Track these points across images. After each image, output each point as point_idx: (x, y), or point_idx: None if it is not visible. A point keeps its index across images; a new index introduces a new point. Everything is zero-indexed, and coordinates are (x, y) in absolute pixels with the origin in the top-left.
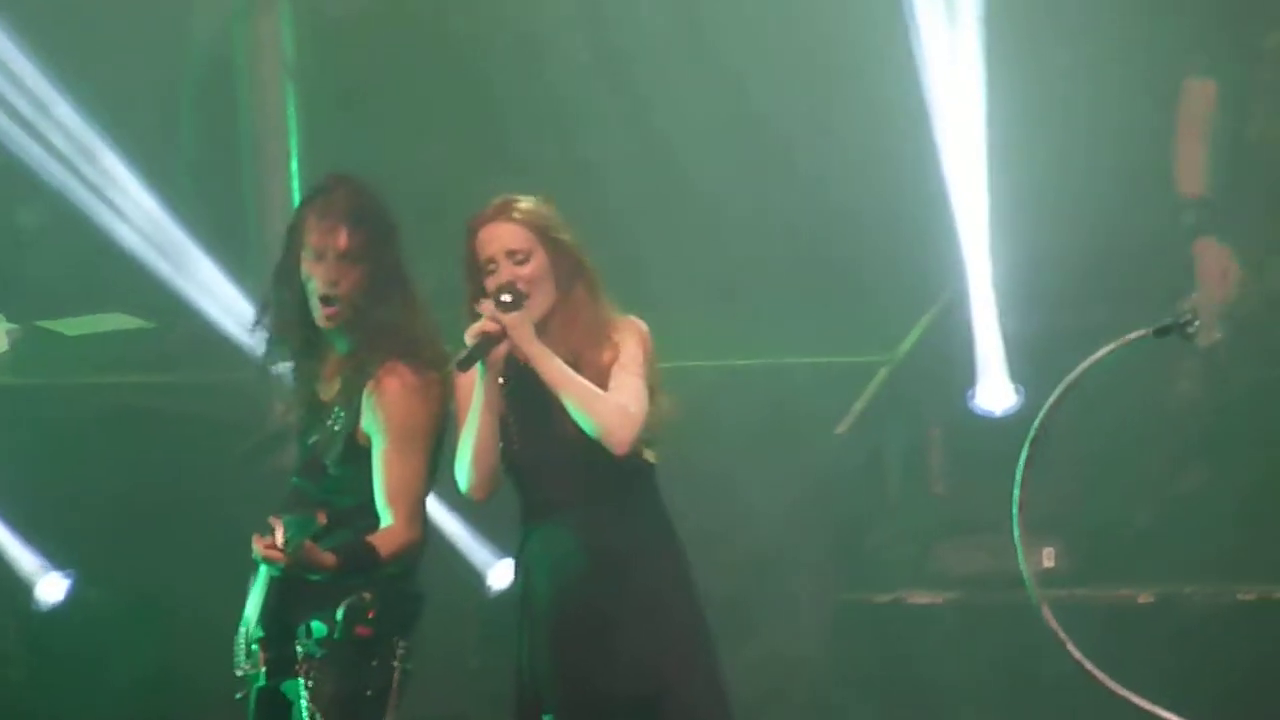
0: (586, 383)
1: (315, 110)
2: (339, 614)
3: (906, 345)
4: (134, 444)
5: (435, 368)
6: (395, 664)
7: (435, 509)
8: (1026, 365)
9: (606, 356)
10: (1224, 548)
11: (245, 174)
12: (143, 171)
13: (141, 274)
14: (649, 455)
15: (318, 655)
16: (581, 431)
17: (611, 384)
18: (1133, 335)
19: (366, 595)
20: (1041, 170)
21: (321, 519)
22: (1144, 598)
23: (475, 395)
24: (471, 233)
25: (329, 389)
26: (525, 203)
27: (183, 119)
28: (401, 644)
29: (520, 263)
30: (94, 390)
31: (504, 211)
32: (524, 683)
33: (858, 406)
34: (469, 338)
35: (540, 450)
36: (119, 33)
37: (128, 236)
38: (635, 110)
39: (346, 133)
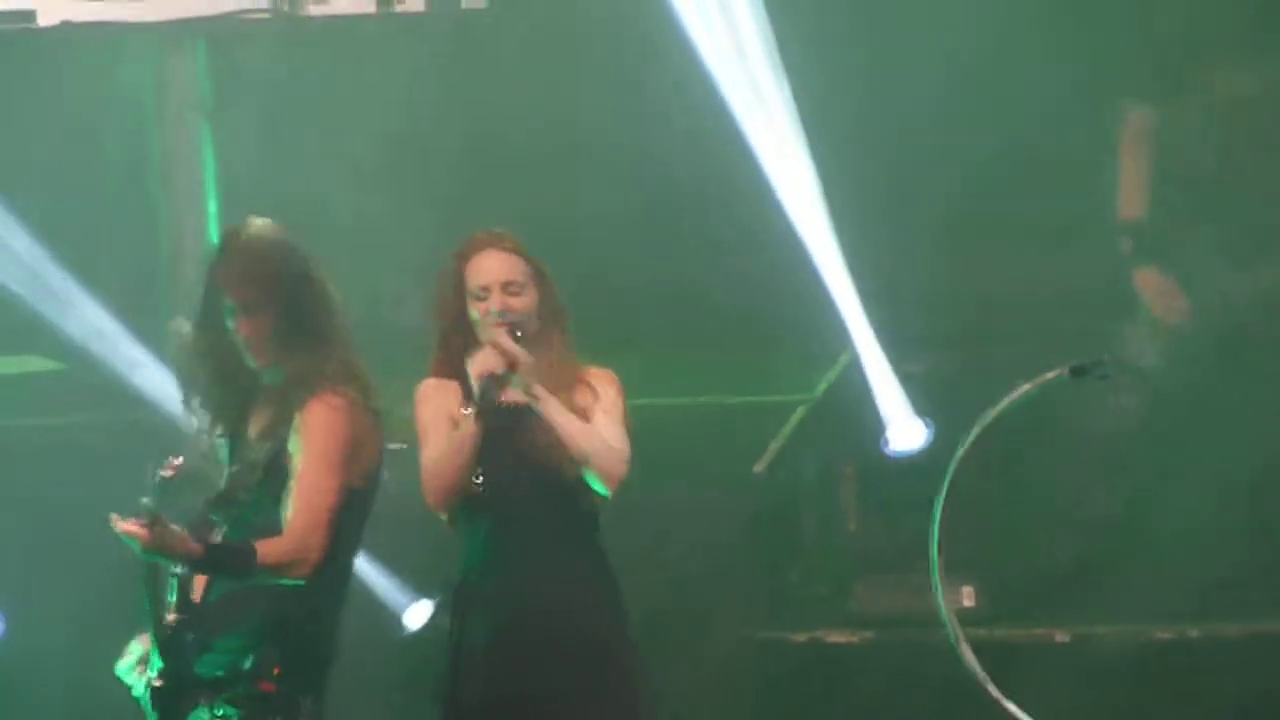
0: (584, 423)
1: (231, 150)
2: (245, 665)
3: (824, 384)
4: (50, 485)
5: (365, 400)
6: (298, 719)
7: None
8: (940, 405)
9: (579, 400)
10: (1141, 587)
11: (160, 214)
12: (46, 214)
13: (50, 318)
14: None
15: (219, 709)
16: (544, 472)
17: (598, 428)
18: (1050, 375)
19: (274, 651)
20: (945, 208)
21: (170, 471)
22: (1061, 636)
23: (465, 422)
24: (462, 259)
25: (255, 426)
26: (515, 240)
27: (97, 158)
28: (307, 700)
29: (514, 294)
30: (6, 432)
31: (500, 241)
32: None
33: (775, 445)
34: (476, 373)
35: (503, 485)
36: (30, 75)
37: (20, 279)
38: (550, 147)
39: (262, 172)
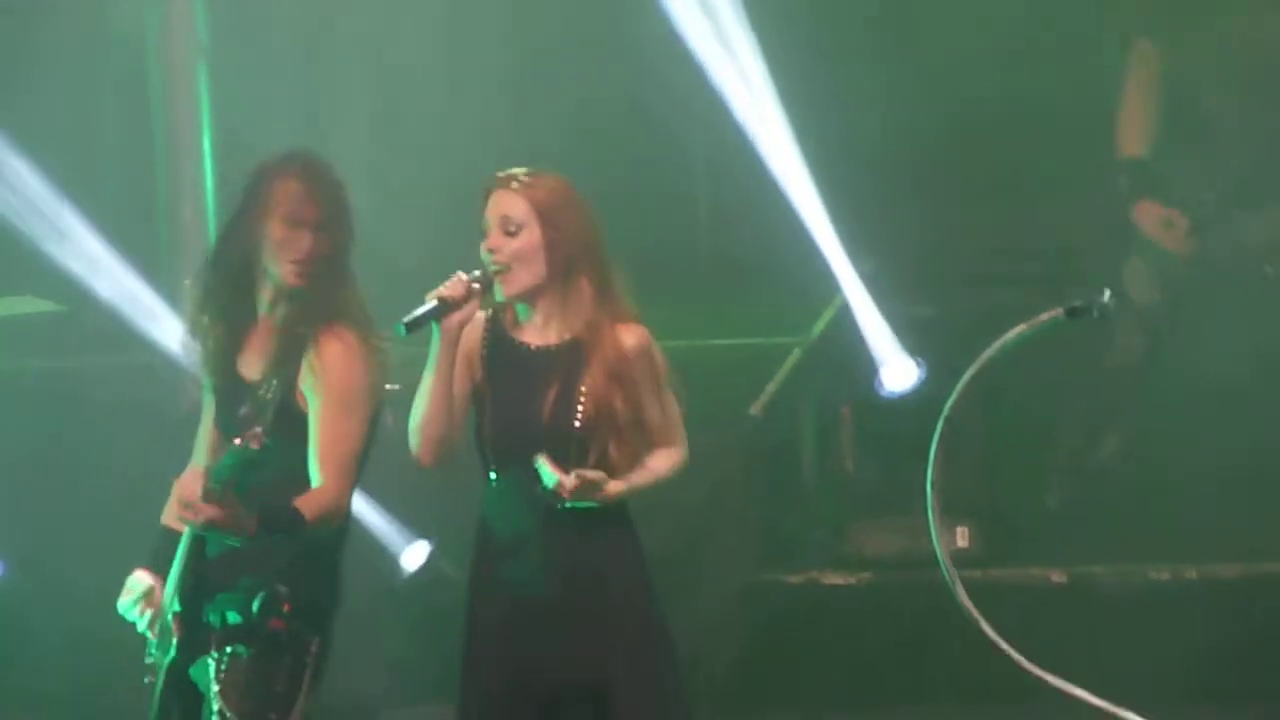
0: (650, 473)
1: (228, 92)
2: (254, 605)
3: (820, 326)
4: (48, 429)
5: (374, 339)
6: (307, 661)
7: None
8: (943, 347)
9: (613, 354)
10: (1137, 527)
11: (158, 156)
12: (44, 152)
13: (47, 258)
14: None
15: (229, 660)
16: (557, 426)
17: (654, 413)
18: (1044, 316)
19: (283, 588)
20: (944, 149)
21: (255, 442)
22: (1057, 577)
23: (429, 359)
24: (484, 196)
25: (253, 362)
26: (537, 178)
27: (95, 98)
28: (315, 642)
29: (510, 234)
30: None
31: (508, 181)
32: (488, 671)
33: (771, 388)
34: (429, 298)
35: (513, 438)
36: (29, 15)
37: (30, 220)
38: (562, 96)
39: (259, 115)
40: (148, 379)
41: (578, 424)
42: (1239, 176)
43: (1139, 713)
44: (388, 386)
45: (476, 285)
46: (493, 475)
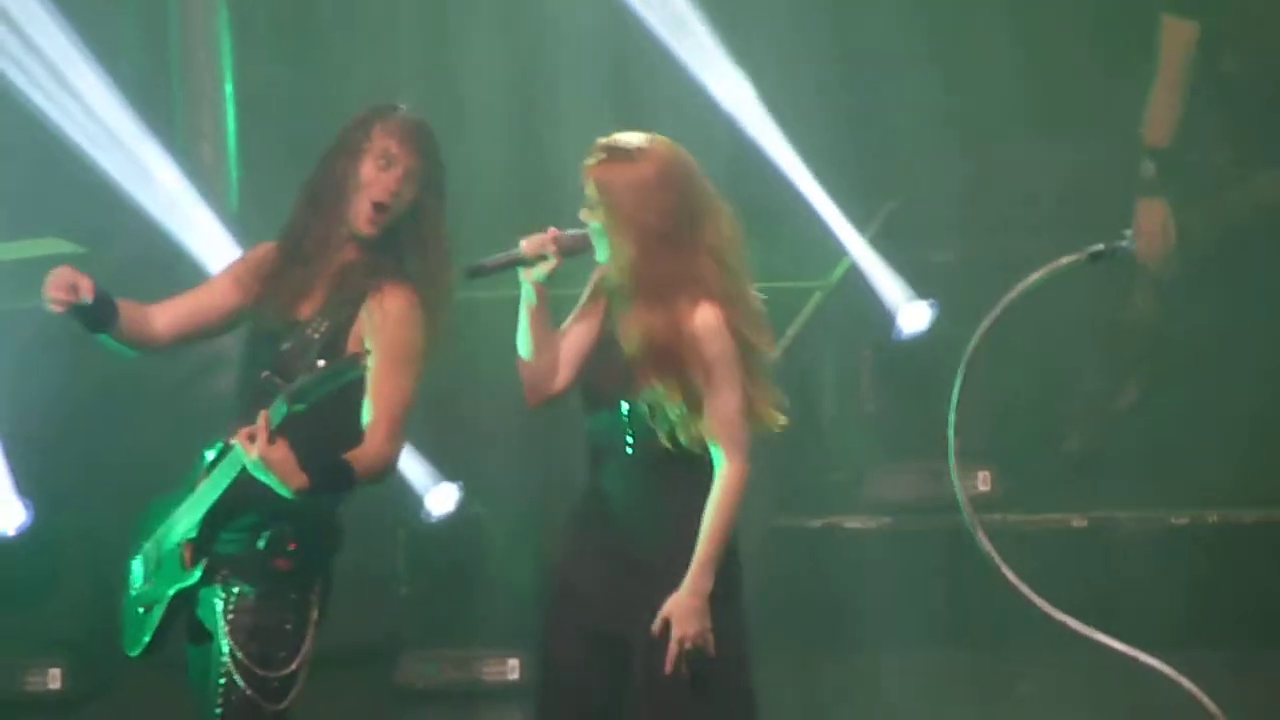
0: (724, 519)
1: (249, 37)
2: (260, 543)
3: (840, 270)
4: (70, 370)
5: (437, 298)
6: (313, 599)
7: None
8: (965, 291)
9: (674, 335)
10: (1158, 472)
11: (176, 101)
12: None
13: (77, 198)
14: None
15: (235, 600)
16: (614, 379)
17: (714, 402)
18: (1065, 260)
19: (288, 527)
20: (968, 97)
21: (319, 364)
22: (1078, 522)
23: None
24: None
25: (309, 305)
26: (616, 160)
27: (115, 46)
28: (319, 581)
29: (591, 209)
30: (27, 315)
31: (596, 156)
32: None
33: (791, 331)
34: (526, 248)
35: (588, 390)
36: None
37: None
38: (583, 49)
39: (281, 59)
40: None
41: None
42: (1258, 137)
43: (1159, 658)
44: None
45: (553, 246)
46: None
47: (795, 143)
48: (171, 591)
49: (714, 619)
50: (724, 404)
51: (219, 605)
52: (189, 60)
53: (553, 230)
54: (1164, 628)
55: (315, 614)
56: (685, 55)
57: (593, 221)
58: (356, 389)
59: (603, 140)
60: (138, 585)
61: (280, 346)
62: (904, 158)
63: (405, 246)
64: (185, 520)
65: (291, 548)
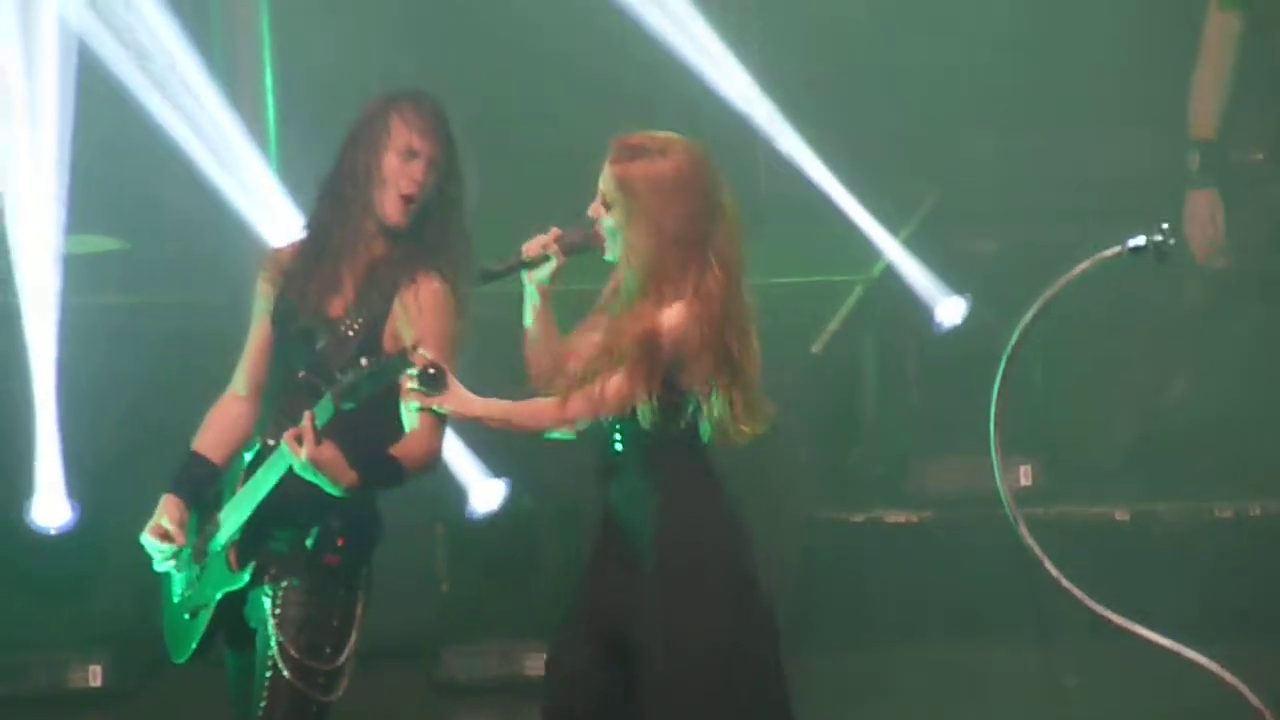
0: (509, 414)
1: (289, 19)
2: (309, 542)
3: (882, 263)
4: (114, 366)
5: (466, 285)
6: (359, 592)
7: None
8: (999, 282)
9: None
10: (1202, 464)
11: (216, 83)
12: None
13: (120, 194)
14: None
15: (283, 593)
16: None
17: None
18: (1108, 252)
19: (335, 523)
20: (1008, 85)
21: (364, 362)
22: (1121, 515)
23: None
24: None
25: (341, 301)
26: (636, 158)
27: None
28: (364, 571)
29: (606, 206)
30: (73, 310)
31: (616, 152)
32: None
33: (832, 325)
34: (525, 251)
35: None
36: None
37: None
38: (616, 37)
39: (321, 42)
40: (209, 315)
41: None
42: None
43: (1204, 653)
44: None
45: (556, 246)
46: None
47: (835, 134)
48: (219, 595)
49: (684, 610)
50: (612, 382)
51: (267, 602)
52: (230, 46)
53: (555, 230)
54: (1209, 622)
55: (360, 609)
56: (717, 43)
57: (606, 220)
58: (395, 383)
59: (623, 137)
60: (180, 592)
61: (315, 345)
62: (946, 147)
63: (430, 235)
64: (230, 523)
65: (340, 544)
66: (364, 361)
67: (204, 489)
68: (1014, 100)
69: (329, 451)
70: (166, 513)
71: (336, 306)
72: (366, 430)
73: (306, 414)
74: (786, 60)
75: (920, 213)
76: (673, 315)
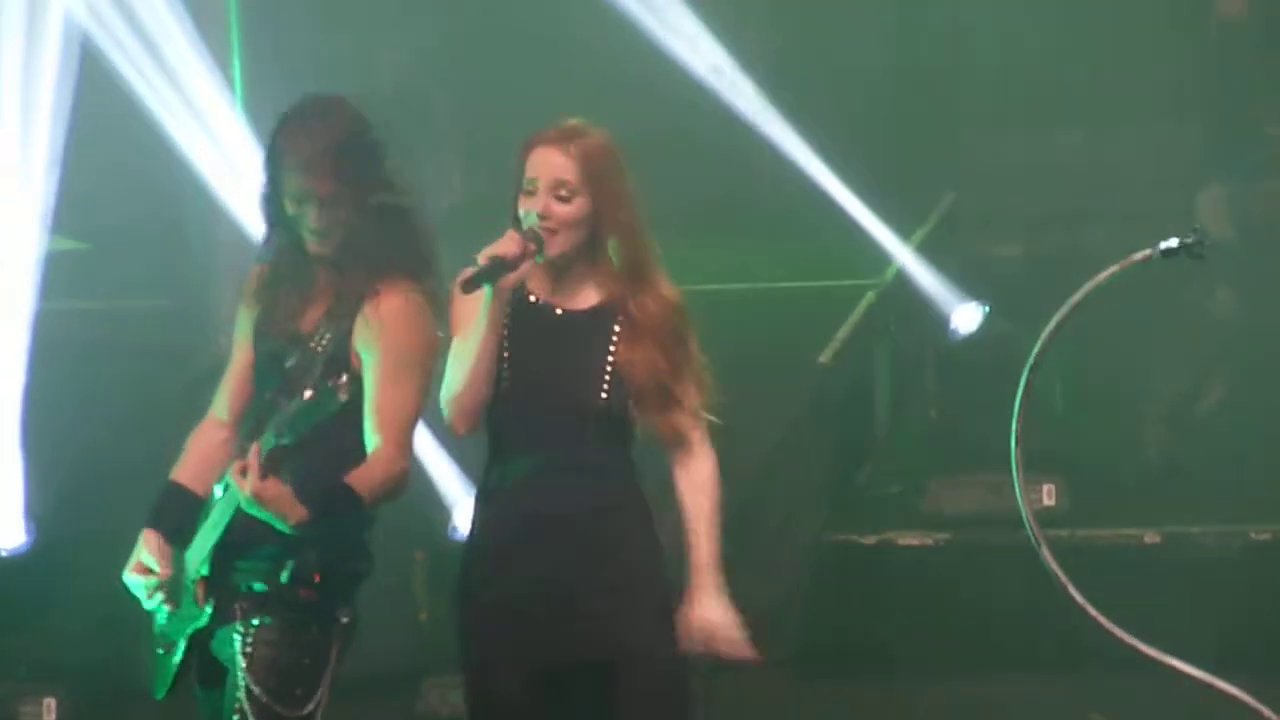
0: (712, 529)
1: (258, 12)
2: (284, 576)
3: (895, 267)
4: (75, 373)
5: (435, 290)
6: (335, 632)
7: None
8: (1020, 288)
9: (653, 307)
10: (1237, 484)
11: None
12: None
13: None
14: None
15: (254, 633)
16: (579, 385)
17: (685, 387)
18: (1137, 256)
19: (312, 556)
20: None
21: (307, 394)
22: (1150, 538)
23: (478, 319)
24: (526, 148)
25: (312, 314)
26: (587, 138)
27: None
28: (345, 612)
29: (562, 199)
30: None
31: (561, 140)
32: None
33: (842, 334)
34: (481, 258)
35: (532, 395)
36: None
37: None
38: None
39: (289, 35)
40: (174, 325)
41: (604, 395)
42: None
43: (1238, 684)
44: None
45: (531, 245)
46: (505, 451)
47: (851, 136)
48: (188, 631)
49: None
50: (699, 384)
51: (237, 640)
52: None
53: (511, 231)
54: (1243, 652)
55: (337, 649)
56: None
57: (564, 209)
58: (356, 405)
59: (542, 131)
60: (160, 624)
61: (286, 364)
62: (966, 148)
63: (386, 243)
64: (196, 556)
65: (315, 579)
66: (307, 394)
67: (185, 521)
68: (1037, 100)
69: (273, 488)
70: (146, 548)
71: (307, 322)
72: (321, 459)
73: (253, 446)
74: (800, 60)
75: (937, 214)
76: (676, 296)
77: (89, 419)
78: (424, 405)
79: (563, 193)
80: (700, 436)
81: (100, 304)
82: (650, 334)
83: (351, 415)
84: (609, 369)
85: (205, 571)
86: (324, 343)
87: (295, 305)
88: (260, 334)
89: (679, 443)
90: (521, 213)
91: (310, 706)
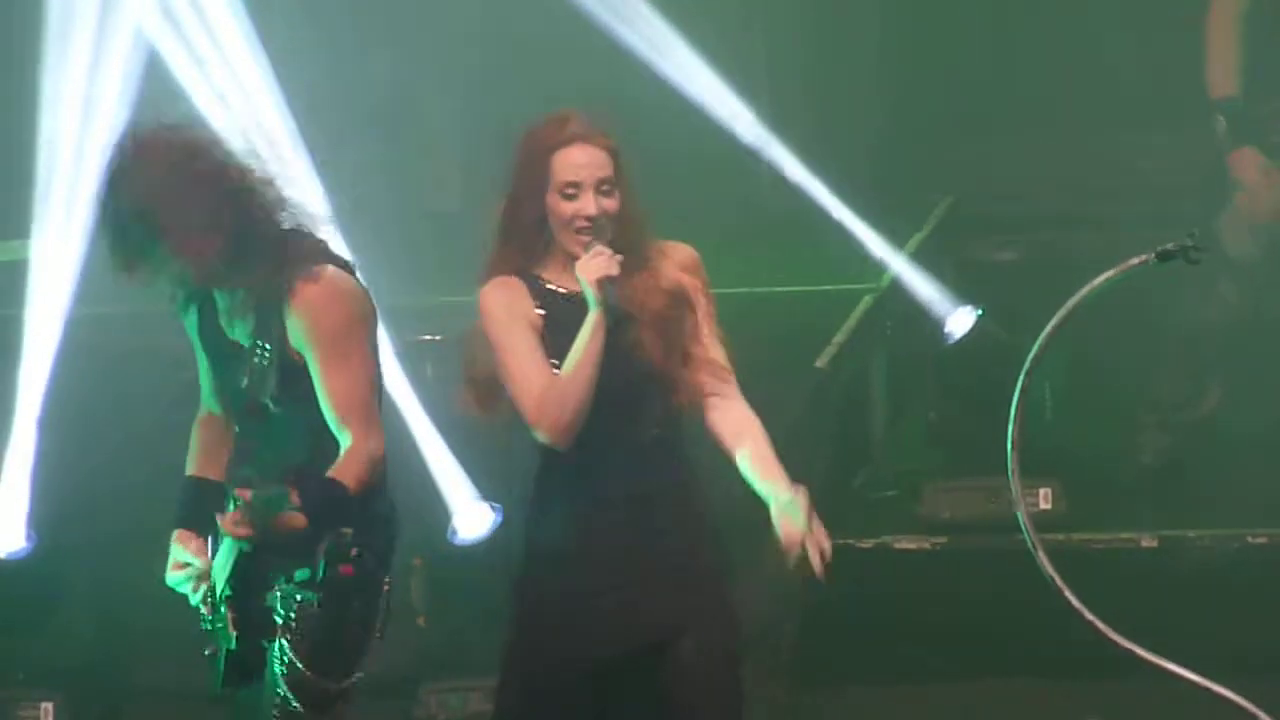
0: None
1: (266, 23)
2: (321, 566)
3: (892, 271)
4: (75, 378)
5: (348, 272)
6: (379, 604)
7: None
8: (1017, 293)
9: (671, 311)
10: (1234, 488)
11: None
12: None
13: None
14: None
15: (297, 609)
16: (630, 373)
17: (707, 348)
18: (1134, 260)
19: (347, 531)
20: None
21: (294, 498)
22: (1147, 541)
23: (587, 337)
24: (544, 149)
25: (243, 329)
26: (605, 130)
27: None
28: (385, 581)
29: (607, 194)
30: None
31: (591, 136)
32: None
33: (839, 338)
34: (591, 281)
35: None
36: None
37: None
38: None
39: (296, 45)
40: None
41: (652, 373)
42: None
43: (1235, 689)
44: (428, 337)
45: (618, 255)
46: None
47: (846, 139)
48: (225, 648)
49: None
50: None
51: (280, 620)
52: None
53: (599, 247)
54: (1242, 657)
55: (381, 619)
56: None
57: (611, 204)
58: (309, 394)
59: (572, 116)
60: (206, 624)
61: (241, 383)
62: (962, 152)
63: (273, 234)
64: (220, 575)
65: (353, 553)
66: (248, 495)
67: (211, 509)
68: (1033, 103)
69: (265, 536)
70: (181, 545)
71: (242, 335)
72: (295, 445)
73: (243, 496)
74: (794, 62)
75: (933, 219)
76: (691, 251)
77: (90, 424)
78: (376, 373)
79: (605, 188)
80: (734, 389)
81: (108, 309)
82: (652, 316)
83: (303, 414)
84: (643, 347)
85: (229, 593)
86: (265, 353)
87: (230, 313)
88: (204, 338)
89: (714, 391)
90: (568, 215)
91: (351, 680)
